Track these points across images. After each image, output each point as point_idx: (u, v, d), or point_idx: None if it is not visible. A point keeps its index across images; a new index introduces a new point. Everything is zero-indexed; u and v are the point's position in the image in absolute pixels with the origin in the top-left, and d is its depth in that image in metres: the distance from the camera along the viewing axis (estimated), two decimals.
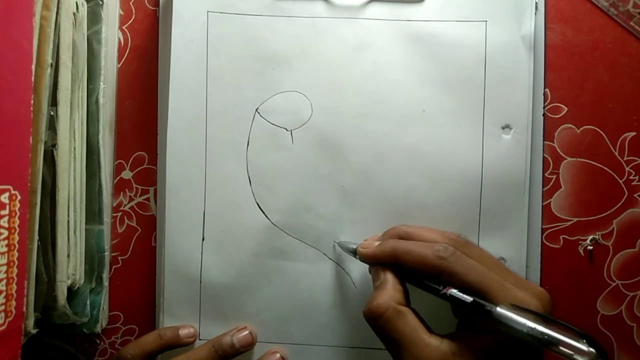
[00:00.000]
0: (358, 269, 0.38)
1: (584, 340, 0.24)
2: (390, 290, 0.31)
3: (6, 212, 0.28)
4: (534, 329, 0.25)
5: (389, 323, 0.29)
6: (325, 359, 0.38)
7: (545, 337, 0.25)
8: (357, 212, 0.38)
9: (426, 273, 0.30)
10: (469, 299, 0.28)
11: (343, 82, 0.38)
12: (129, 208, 0.41)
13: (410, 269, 0.31)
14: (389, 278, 0.32)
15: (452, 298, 0.29)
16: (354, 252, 0.35)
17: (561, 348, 0.25)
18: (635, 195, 0.38)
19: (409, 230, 0.34)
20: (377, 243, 0.33)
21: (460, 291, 0.29)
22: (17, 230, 0.29)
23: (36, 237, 0.32)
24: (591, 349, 0.24)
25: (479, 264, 0.29)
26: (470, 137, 0.37)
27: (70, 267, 0.36)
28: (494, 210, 0.37)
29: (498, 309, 0.27)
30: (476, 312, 0.28)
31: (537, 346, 0.25)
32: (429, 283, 0.30)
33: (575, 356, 0.24)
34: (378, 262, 0.33)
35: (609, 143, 0.39)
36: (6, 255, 0.28)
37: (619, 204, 0.39)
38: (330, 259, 0.38)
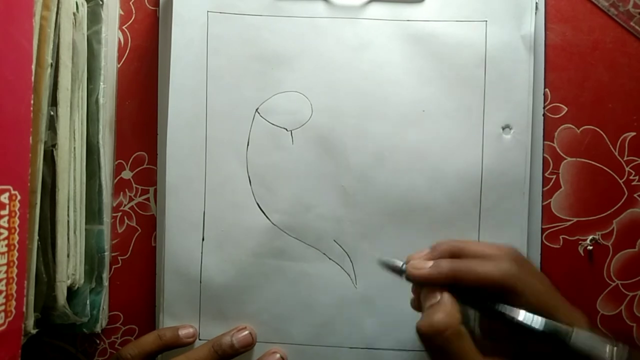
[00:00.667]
0: (358, 270, 0.38)
1: None
2: (450, 309, 0.29)
3: (6, 212, 0.28)
4: (616, 354, 0.25)
5: (449, 343, 0.28)
6: (325, 359, 0.38)
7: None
8: (357, 212, 0.38)
9: (486, 293, 0.29)
10: (538, 324, 0.27)
11: (343, 82, 0.38)
12: (129, 208, 0.41)
13: (469, 289, 0.29)
14: (447, 298, 0.29)
15: (519, 325, 0.27)
16: (401, 272, 0.32)
17: None
18: (635, 195, 0.38)
19: (460, 245, 0.31)
20: (429, 263, 0.31)
21: (529, 313, 0.27)
22: (17, 230, 0.29)
23: (36, 237, 0.32)
24: None
25: (540, 284, 0.29)
26: (470, 137, 0.37)
27: (70, 267, 0.36)
28: (494, 210, 0.37)
29: (575, 334, 0.26)
30: (545, 339, 0.27)
31: None
32: (493, 305, 0.28)
33: None
34: (434, 284, 0.30)
35: (609, 143, 0.39)
36: (6, 255, 0.28)
37: (619, 204, 0.39)
38: (330, 258, 0.38)
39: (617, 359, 0.25)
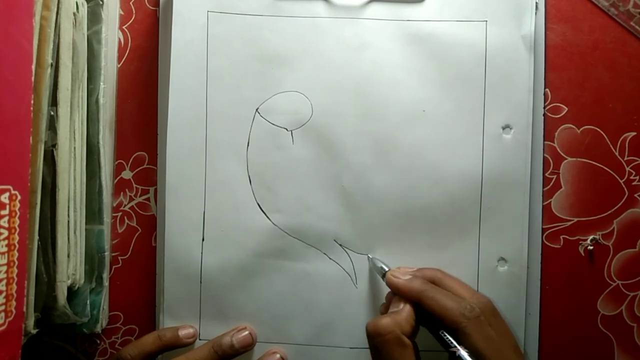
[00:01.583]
0: (358, 269, 0.38)
1: None
2: (402, 320, 0.31)
3: (6, 212, 0.28)
4: None
5: (387, 346, 0.30)
6: (325, 359, 0.38)
7: None
8: (357, 212, 0.38)
9: (443, 324, 0.31)
10: None
11: (343, 82, 0.38)
12: (129, 208, 0.41)
13: (429, 314, 0.31)
14: (407, 310, 0.32)
15: (459, 358, 0.29)
16: (382, 275, 0.36)
17: None
18: (636, 195, 0.38)
19: (442, 277, 0.34)
20: (408, 276, 0.34)
21: (469, 355, 0.29)
22: (17, 230, 0.29)
23: (36, 237, 0.32)
24: None
25: (498, 339, 0.30)
26: (470, 137, 0.37)
27: (70, 267, 0.36)
28: (494, 210, 0.37)
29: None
30: None
31: None
32: (443, 334, 0.31)
33: None
34: (402, 295, 0.33)
35: (609, 143, 0.39)
36: (6, 255, 0.28)
37: (619, 204, 0.38)
38: (330, 258, 0.38)
39: None
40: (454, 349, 0.30)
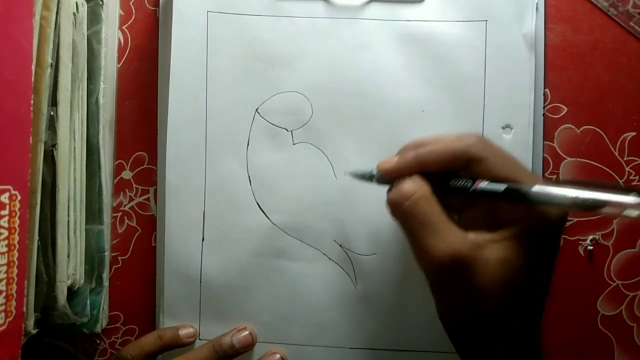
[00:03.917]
0: (358, 269, 0.38)
1: (633, 193, 0.23)
2: (420, 180, 0.29)
3: (6, 212, 0.28)
4: (578, 196, 0.25)
5: (417, 205, 0.28)
6: (325, 359, 0.38)
7: (592, 200, 0.24)
8: (357, 212, 0.38)
9: (453, 171, 0.29)
10: (501, 187, 0.27)
11: (343, 82, 0.38)
12: (129, 208, 0.41)
13: (436, 174, 0.29)
14: (416, 176, 0.29)
15: (483, 193, 0.27)
16: (371, 175, 0.32)
17: (609, 208, 0.24)
18: None
19: (422, 139, 0.31)
20: (396, 158, 0.31)
21: (489, 184, 0.27)
22: (17, 230, 0.29)
23: (36, 237, 0.32)
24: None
25: (503, 152, 0.29)
26: None
27: (70, 267, 0.36)
28: None
29: (536, 187, 0.26)
30: (510, 198, 0.27)
31: (584, 211, 0.25)
32: (457, 183, 0.28)
33: (627, 212, 0.23)
34: (402, 174, 0.30)
35: (609, 143, 0.39)
36: (6, 255, 0.28)
37: None
38: (330, 258, 0.38)
39: (578, 202, 0.25)
40: (474, 187, 0.28)
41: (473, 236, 0.28)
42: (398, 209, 0.29)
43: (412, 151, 0.30)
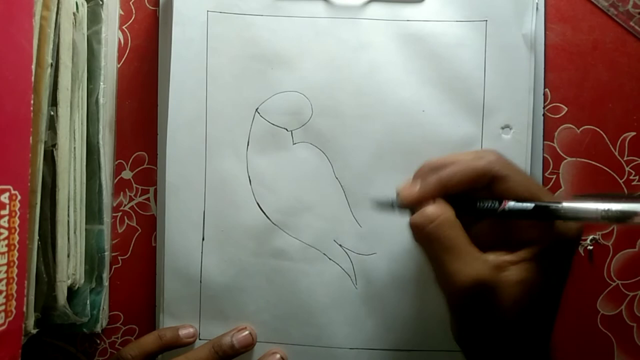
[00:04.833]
0: (358, 270, 0.38)
1: None
2: (443, 204, 0.29)
3: (6, 212, 0.28)
4: (610, 209, 0.25)
5: (441, 229, 0.28)
6: (325, 359, 0.38)
7: (622, 211, 0.25)
8: (357, 212, 0.38)
9: (475, 192, 0.29)
10: (529, 206, 0.27)
11: (343, 82, 0.38)
12: (129, 208, 0.41)
13: (458, 196, 0.29)
14: (439, 200, 0.29)
15: (512, 213, 0.27)
16: (392, 204, 0.31)
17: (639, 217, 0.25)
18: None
19: (439, 161, 0.30)
20: (417, 186, 0.30)
21: (516, 203, 0.27)
22: (17, 230, 0.29)
23: (36, 237, 0.32)
24: None
25: (522, 171, 0.29)
26: (470, 137, 0.37)
27: (70, 267, 0.36)
28: None
29: (565, 203, 0.26)
30: (539, 216, 0.27)
31: (614, 223, 0.26)
32: (484, 204, 0.28)
33: None
34: (425, 200, 0.29)
35: (609, 143, 0.39)
36: (6, 255, 0.28)
37: None
38: (330, 259, 0.38)
39: (609, 214, 0.26)
40: (502, 207, 0.28)
41: (493, 258, 0.28)
42: (421, 232, 0.28)
43: (433, 175, 0.30)
